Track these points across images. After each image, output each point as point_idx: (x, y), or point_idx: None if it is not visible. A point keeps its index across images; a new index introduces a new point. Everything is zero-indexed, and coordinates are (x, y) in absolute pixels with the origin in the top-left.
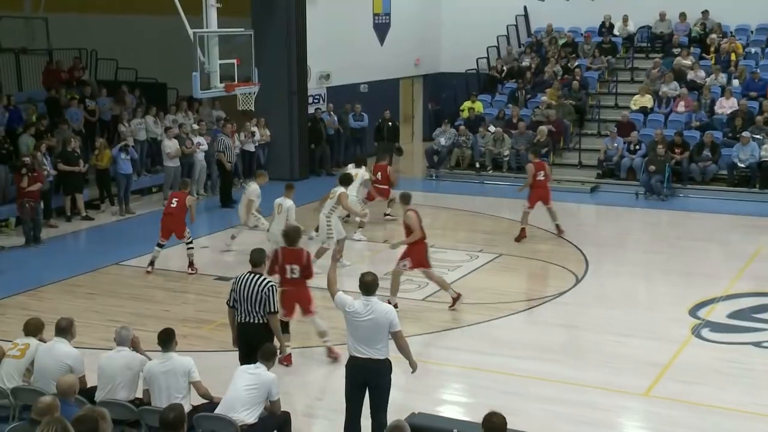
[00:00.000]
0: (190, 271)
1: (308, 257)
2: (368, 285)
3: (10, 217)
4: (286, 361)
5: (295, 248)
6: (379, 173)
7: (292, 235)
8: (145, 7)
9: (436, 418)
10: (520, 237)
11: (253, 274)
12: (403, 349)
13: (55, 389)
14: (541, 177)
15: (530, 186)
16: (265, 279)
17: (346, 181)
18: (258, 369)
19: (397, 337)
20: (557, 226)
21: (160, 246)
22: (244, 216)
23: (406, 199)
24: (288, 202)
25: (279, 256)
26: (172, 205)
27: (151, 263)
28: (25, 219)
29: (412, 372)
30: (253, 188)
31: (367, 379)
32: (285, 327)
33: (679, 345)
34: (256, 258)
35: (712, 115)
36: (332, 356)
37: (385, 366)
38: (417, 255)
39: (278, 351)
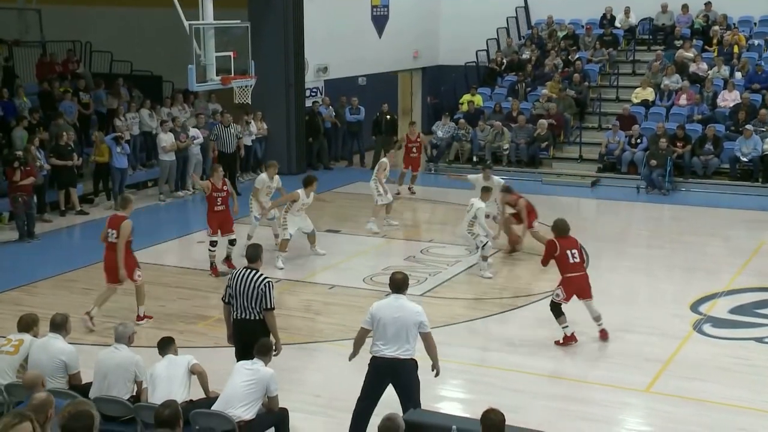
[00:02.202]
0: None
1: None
2: (398, 283)
3: (3, 211)
4: (572, 340)
5: (569, 236)
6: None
7: (561, 225)
8: None
9: (434, 414)
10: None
11: (249, 270)
12: (431, 351)
13: (49, 385)
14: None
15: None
16: (261, 275)
17: (307, 182)
18: (255, 365)
19: (427, 339)
20: None
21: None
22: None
23: None
24: (479, 204)
25: (557, 247)
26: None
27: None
28: (19, 213)
29: (436, 375)
30: (260, 178)
31: (392, 379)
32: (559, 310)
33: (681, 341)
34: (252, 253)
35: (714, 108)
36: (604, 338)
37: (409, 365)
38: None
39: (274, 347)
